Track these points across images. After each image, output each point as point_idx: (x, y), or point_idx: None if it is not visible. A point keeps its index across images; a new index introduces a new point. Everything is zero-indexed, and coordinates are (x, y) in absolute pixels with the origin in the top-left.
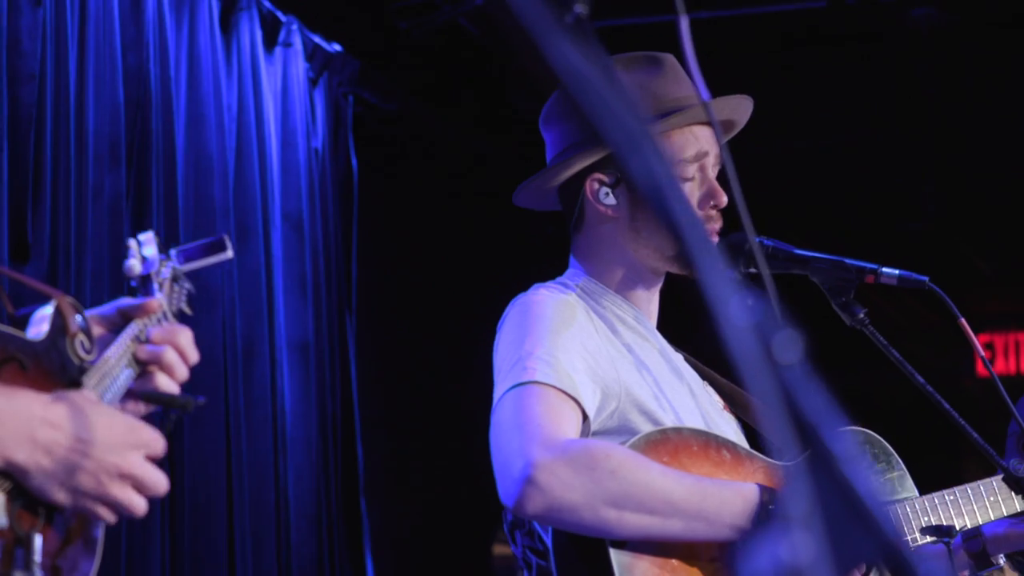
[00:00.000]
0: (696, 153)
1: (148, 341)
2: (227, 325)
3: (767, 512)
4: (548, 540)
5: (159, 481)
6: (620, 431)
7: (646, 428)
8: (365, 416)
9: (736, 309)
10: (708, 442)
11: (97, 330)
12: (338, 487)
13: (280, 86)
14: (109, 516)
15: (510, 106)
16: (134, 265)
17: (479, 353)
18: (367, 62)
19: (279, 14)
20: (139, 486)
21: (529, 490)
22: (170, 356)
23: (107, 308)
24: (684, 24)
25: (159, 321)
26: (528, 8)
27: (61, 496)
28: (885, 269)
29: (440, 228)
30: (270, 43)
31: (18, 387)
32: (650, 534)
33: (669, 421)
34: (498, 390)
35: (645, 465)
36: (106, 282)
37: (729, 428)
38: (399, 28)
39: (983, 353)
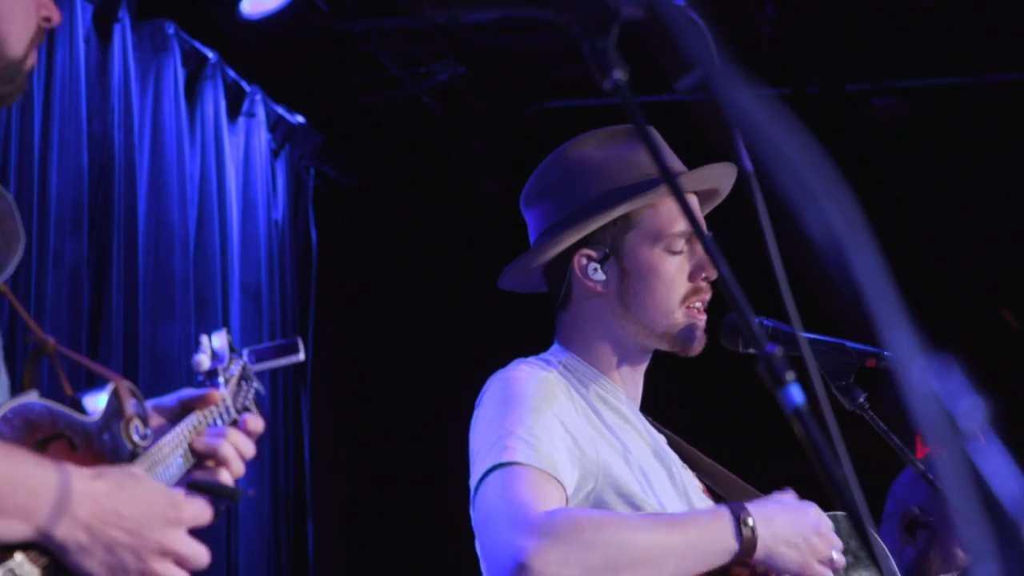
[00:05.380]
0: (685, 230)
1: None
2: None
3: (747, 526)
4: None
5: (200, 555)
6: None
7: (624, 512)
8: (317, 493)
9: (919, 375)
10: None
11: (156, 419)
12: (289, 565)
13: (242, 156)
14: None
15: (470, 184)
16: (202, 360)
17: (434, 431)
18: (329, 135)
19: (243, 84)
20: (180, 561)
21: None
22: (226, 449)
23: (168, 399)
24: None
25: (221, 416)
26: (707, 60)
27: (101, 573)
28: (888, 353)
29: (397, 304)
30: (233, 112)
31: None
32: None
33: (649, 506)
34: (478, 469)
35: (626, 521)
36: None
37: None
38: (362, 102)
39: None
